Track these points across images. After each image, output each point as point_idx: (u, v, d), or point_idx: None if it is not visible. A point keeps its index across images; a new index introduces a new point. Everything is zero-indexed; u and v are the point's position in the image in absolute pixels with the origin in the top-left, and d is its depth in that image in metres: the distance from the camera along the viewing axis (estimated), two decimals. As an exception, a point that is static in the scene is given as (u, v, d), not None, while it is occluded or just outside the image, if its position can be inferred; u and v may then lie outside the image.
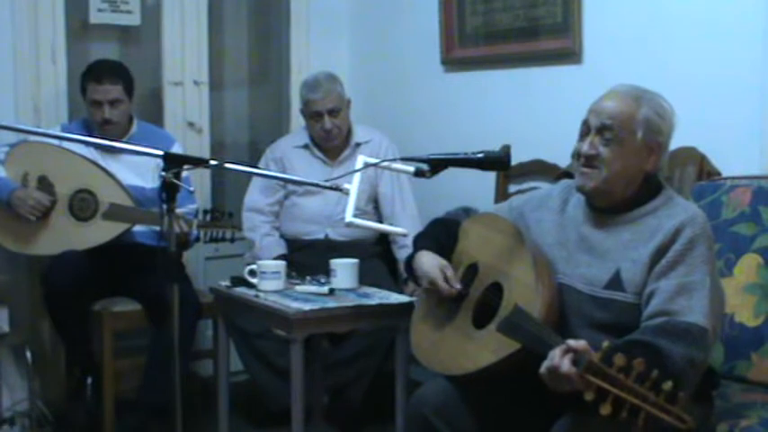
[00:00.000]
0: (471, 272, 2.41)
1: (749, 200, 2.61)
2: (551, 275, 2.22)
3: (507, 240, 2.33)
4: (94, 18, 3.88)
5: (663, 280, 2.05)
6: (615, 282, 2.13)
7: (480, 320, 2.29)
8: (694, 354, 1.96)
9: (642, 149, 2.14)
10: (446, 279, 2.39)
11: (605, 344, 1.82)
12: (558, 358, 1.86)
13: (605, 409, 1.76)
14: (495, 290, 2.30)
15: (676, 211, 2.13)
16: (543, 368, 1.90)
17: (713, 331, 2.03)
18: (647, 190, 2.18)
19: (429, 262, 2.44)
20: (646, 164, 2.16)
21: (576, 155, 2.20)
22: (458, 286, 2.38)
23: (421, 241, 2.54)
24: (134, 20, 3.96)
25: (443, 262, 2.43)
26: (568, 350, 1.86)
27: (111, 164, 3.47)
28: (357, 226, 2.50)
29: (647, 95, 2.18)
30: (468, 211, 2.60)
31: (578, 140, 2.21)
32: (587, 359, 1.81)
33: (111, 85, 3.46)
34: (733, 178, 2.73)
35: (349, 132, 3.84)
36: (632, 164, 2.15)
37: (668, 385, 1.75)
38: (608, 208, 2.20)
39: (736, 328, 2.51)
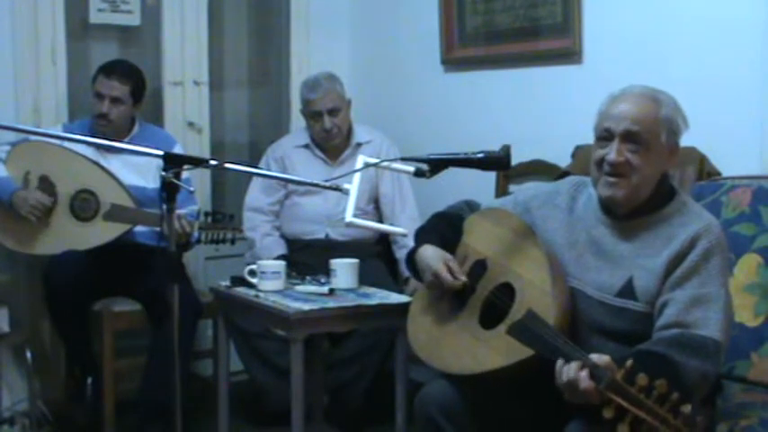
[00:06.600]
0: (479, 268, 2.35)
1: (749, 200, 2.60)
2: (564, 280, 2.18)
3: (518, 239, 2.28)
4: (94, 18, 3.88)
5: (678, 290, 2.02)
6: (627, 290, 2.10)
7: (486, 320, 2.25)
8: (708, 369, 1.94)
9: (665, 151, 2.10)
10: (450, 271, 2.34)
11: (628, 362, 1.80)
12: (575, 372, 1.83)
13: (623, 429, 1.74)
14: (505, 290, 2.25)
15: (691, 219, 2.09)
16: (563, 379, 1.86)
17: (725, 343, 2.01)
18: (660, 193, 2.14)
19: (432, 255, 2.39)
20: (666, 165, 2.13)
21: (599, 163, 2.12)
22: (462, 278, 2.33)
23: (423, 235, 2.49)
24: (134, 20, 3.96)
25: (447, 255, 2.38)
26: (588, 365, 1.83)
27: (112, 164, 3.46)
28: (357, 226, 2.49)
29: (662, 95, 2.12)
30: (470, 205, 2.55)
31: (597, 147, 2.13)
32: (610, 377, 1.79)
33: (118, 83, 3.47)
34: (733, 178, 2.73)
35: (350, 132, 3.84)
36: (658, 167, 2.11)
37: (687, 408, 1.73)
38: (626, 213, 2.15)
39: (736, 328, 2.50)
